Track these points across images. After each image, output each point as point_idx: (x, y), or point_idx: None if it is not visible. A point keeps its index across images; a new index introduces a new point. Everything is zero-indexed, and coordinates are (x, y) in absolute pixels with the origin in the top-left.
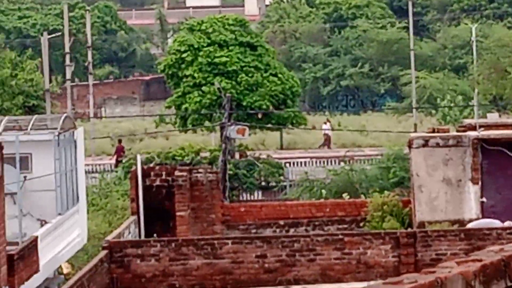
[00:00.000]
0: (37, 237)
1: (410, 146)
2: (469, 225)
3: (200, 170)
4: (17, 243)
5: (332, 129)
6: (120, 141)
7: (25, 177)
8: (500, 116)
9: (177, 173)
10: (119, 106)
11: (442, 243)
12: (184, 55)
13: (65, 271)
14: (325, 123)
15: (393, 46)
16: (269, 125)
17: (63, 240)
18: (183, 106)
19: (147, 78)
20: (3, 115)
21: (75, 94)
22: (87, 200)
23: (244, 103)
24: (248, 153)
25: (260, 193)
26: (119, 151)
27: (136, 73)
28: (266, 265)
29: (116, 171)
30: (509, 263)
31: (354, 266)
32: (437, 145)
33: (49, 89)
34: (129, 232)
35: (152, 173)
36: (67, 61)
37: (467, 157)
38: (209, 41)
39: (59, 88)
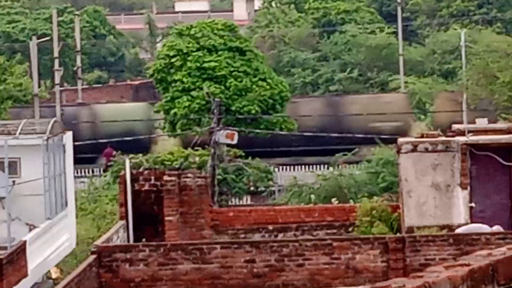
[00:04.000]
0: (25, 241)
1: (398, 151)
2: (458, 230)
3: (189, 175)
4: (5, 248)
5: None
6: (108, 145)
7: (13, 181)
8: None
9: (166, 178)
10: None
11: (430, 248)
12: (173, 60)
13: (53, 275)
14: None
15: (382, 51)
16: (258, 130)
17: (51, 245)
18: (172, 111)
19: (136, 82)
20: None
21: (64, 99)
22: (76, 205)
23: (233, 108)
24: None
25: (249, 198)
26: (108, 155)
27: (124, 78)
28: (255, 270)
29: (105, 176)
30: (497, 268)
31: (343, 271)
32: (426, 150)
33: (38, 93)
34: (118, 237)
35: (141, 178)
36: (56, 66)
37: (456, 162)
38: (198, 46)
39: (48, 92)
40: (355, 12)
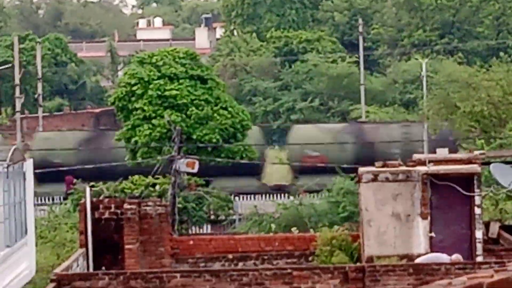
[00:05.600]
0: None
1: (359, 180)
2: (418, 260)
3: (149, 203)
4: None
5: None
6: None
7: None
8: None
9: (126, 206)
10: None
11: (391, 278)
12: (134, 88)
13: None
14: None
15: (343, 80)
16: (219, 159)
17: (11, 273)
18: (133, 139)
19: (97, 110)
20: None
21: (24, 126)
22: (35, 233)
23: (194, 136)
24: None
25: (209, 226)
26: (69, 183)
27: (88, 106)
28: None
29: (65, 204)
30: None
31: None
32: (387, 179)
33: None
34: (78, 265)
35: (101, 206)
36: (17, 93)
37: (417, 192)
38: (159, 74)
39: (9, 120)
40: (316, 42)
